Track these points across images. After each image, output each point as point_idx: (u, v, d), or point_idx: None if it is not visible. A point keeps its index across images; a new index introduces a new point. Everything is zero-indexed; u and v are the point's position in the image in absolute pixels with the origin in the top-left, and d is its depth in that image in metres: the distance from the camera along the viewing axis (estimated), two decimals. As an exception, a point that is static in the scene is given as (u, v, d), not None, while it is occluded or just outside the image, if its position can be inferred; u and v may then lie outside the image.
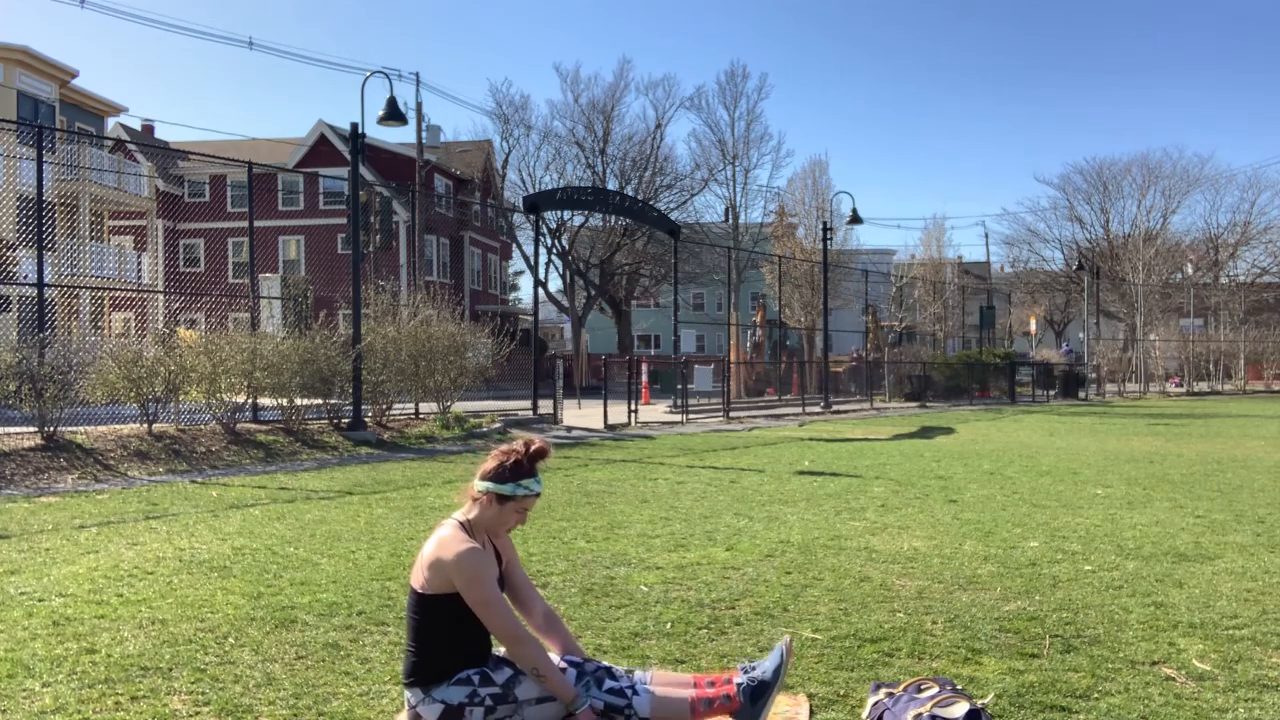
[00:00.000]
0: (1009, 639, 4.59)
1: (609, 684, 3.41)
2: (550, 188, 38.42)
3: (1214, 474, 11.43)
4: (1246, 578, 5.89)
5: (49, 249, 17.58)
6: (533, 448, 3.46)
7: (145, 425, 12.80)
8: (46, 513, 8.29)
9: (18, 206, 20.42)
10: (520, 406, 20.97)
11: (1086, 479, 10.90)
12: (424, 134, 37.99)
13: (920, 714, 3.30)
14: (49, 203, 20.65)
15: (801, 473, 11.54)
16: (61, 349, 12.55)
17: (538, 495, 3.49)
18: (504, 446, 3.50)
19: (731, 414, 23.45)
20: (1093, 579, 5.84)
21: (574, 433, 17.68)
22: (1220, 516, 8.20)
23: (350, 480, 10.67)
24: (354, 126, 15.64)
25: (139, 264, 29.65)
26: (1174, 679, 4.05)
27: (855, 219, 30.44)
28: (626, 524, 7.72)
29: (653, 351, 57.87)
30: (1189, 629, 4.77)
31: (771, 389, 32.83)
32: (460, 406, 18.00)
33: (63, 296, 21.36)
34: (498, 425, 17.41)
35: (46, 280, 13.17)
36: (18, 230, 19.32)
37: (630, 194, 37.80)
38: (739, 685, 3.43)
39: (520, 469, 3.43)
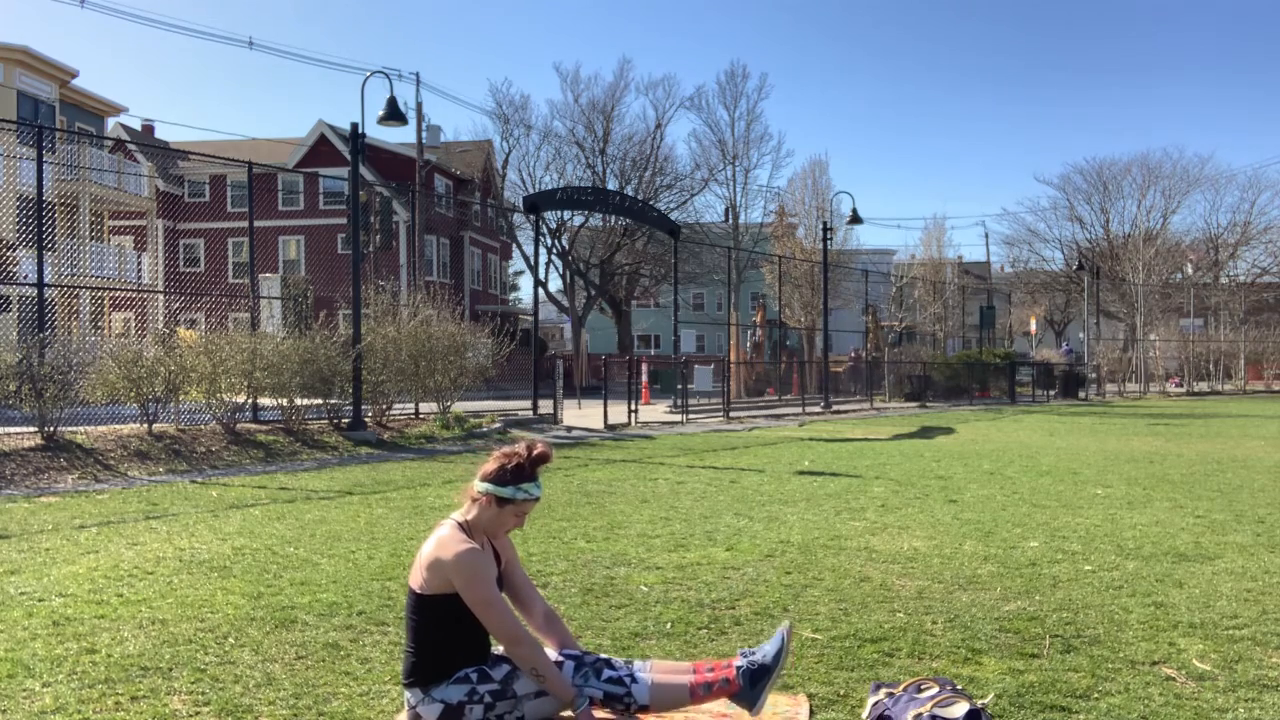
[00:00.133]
0: (1009, 639, 4.59)
1: (608, 673, 3.42)
2: (550, 188, 38.42)
3: (1214, 474, 11.43)
4: (1246, 578, 5.89)
5: (49, 249, 17.58)
6: (534, 451, 3.45)
7: (145, 425, 12.80)
8: (46, 513, 8.29)
9: (18, 206, 20.43)
10: (520, 406, 20.97)
11: (1086, 479, 10.90)
12: (424, 134, 37.99)
13: (920, 714, 3.30)
14: (49, 203, 20.65)
15: (801, 473, 11.54)
16: (61, 349, 12.55)
17: (537, 499, 3.48)
18: (506, 449, 3.49)
19: (731, 414, 23.46)
20: (1093, 579, 5.84)
21: (574, 433, 17.68)
22: (1220, 516, 8.20)
23: (350, 480, 10.67)
24: (354, 126, 15.64)
25: (139, 264, 29.65)
26: (1174, 679, 4.05)
27: (855, 219, 30.44)
28: (626, 524, 7.72)
29: (653, 351, 57.87)
30: (1189, 629, 4.77)
31: (771, 389, 32.83)
32: (460, 406, 18.01)
33: (63, 296, 21.37)
34: (498, 425, 17.41)
35: (46, 280, 13.17)
36: (18, 230, 19.32)
37: (630, 194, 37.80)
38: (738, 668, 3.43)
39: (521, 472, 3.42)
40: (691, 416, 22.11)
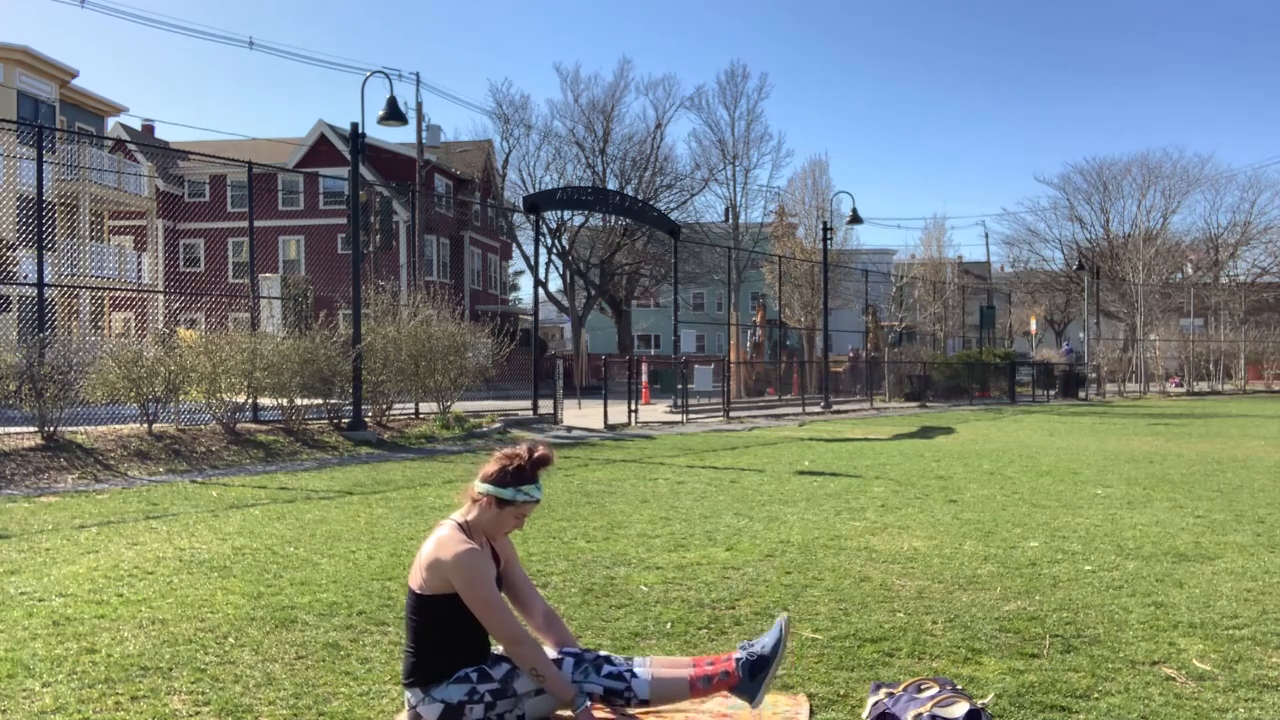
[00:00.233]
0: (1009, 639, 4.59)
1: (607, 669, 3.42)
2: (550, 188, 38.42)
3: (1214, 474, 11.43)
4: (1246, 578, 5.89)
5: (49, 249, 17.58)
6: (535, 454, 3.44)
7: (145, 425, 12.80)
8: (46, 513, 8.29)
9: (18, 206, 20.43)
10: (520, 406, 20.97)
11: (1086, 479, 10.90)
12: (424, 134, 37.99)
13: (920, 714, 3.30)
14: (49, 203, 20.66)
15: (801, 473, 11.54)
16: (62, 349, 12.55)
17: (537, 502, 3.48)
18: (508, 450, 3.48)
19: (731, 414, 23.46)
20: (1093, 579, 5.84)
21: (574, 432, 17.68)
22: (1220, 516, 8.20)
23: (350, 480, 10.67)
24: (354, 126, 15.64)
25: (139, 264, 29.65)
26: (1174, 679, 4.05)
27: (855, 219, 30.44)
28: (626, 524, 7.72)
29: (653, 351, 57.87)
30: (1189, 629, 4.77)
31: (771, 389, 32.84)
32: (460, 406, 18.01)
33: (63, 296, 21.36)
34: (498, 425, 17.41)
35: (46, 280, 13.17)
36: (18, 230, 19.32)
37: (630, 194, 37.80)
38: (738, 660, 3.43)
39: (522, 474, 3.42)
40: (691, 416, 22.11)
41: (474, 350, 17.96)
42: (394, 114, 16.66)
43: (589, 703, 3.36)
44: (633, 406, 20.13)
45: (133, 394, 12.70)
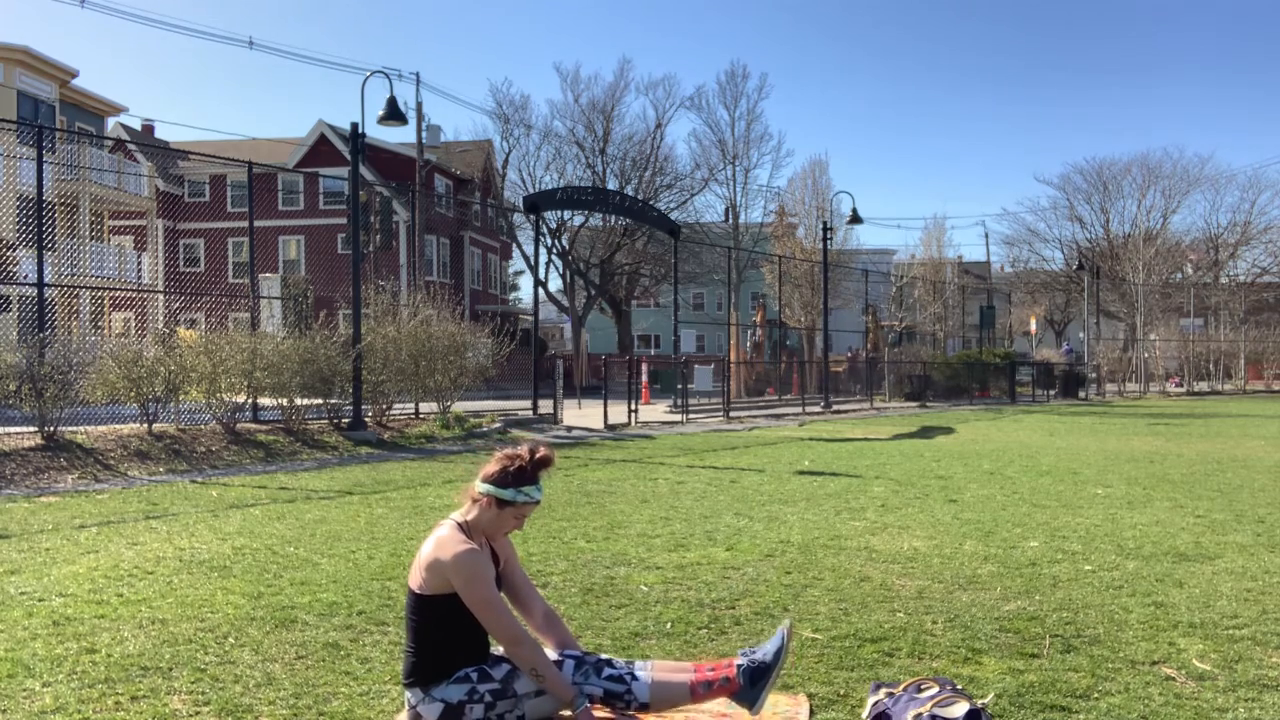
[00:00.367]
0: (1009, 639, 4.59)
1: (608, 671, 3.42)
2: (550, 188, 38.42)
3: (1214, 474, 11.43)
4: (1246, 577, 5.89)
5: (49, 249, 17.58)
6: (536, 455, 3.44)
7: (145, 425, 12.79)
8: (46, 512, 8.29)
9: (18, 206, 20.43)
10: (520, 406, 20.97)
11: (1086, 479, 10.90)
12: (424, 134, 37.99)
13: (920, 714, 3.30)
14: (49, 203, 20.66)
15: (801, 472, 11.53)
16: (61, 349, 12.55)
17: (537, 503, 3.48)
18: (508, 450, 3.48)
19: (731, 414, 23.45)
20: (1093, 579, 5.84)
21: (574, 432, 17.68)
22: (1220, 516, 8.20)
23: (350, 480, 10.67)
24: (354, 126, 15.64)
25: (139, 264, 29.65)
26: (1174, 679, 4.05)
27: (855, 219, 30.44)
28: (626, 524, 7.72)
29: (653, 351, 57.87)
30: (1189, 629, 4.77)
31: (771, 389, 32.83)
32: (460, 406, 18.01)
33: (63, 296, 21.36)
34: (498, 425, 17.41)
35: (46, 280, 13.17)
36: (18, 230, 19.32)
37: (630, 194, 37.80)
38: (739, 667, 3.43)
39: (523, 475, 3.42)
40: (691, 416, 22.11)
41: (474, 350, 17.96)
42: (394, 114, 16.66)
43: (589, 704, 3.36)
44: (633, 406, 20.13)
45: (133, 394, 12.70)
